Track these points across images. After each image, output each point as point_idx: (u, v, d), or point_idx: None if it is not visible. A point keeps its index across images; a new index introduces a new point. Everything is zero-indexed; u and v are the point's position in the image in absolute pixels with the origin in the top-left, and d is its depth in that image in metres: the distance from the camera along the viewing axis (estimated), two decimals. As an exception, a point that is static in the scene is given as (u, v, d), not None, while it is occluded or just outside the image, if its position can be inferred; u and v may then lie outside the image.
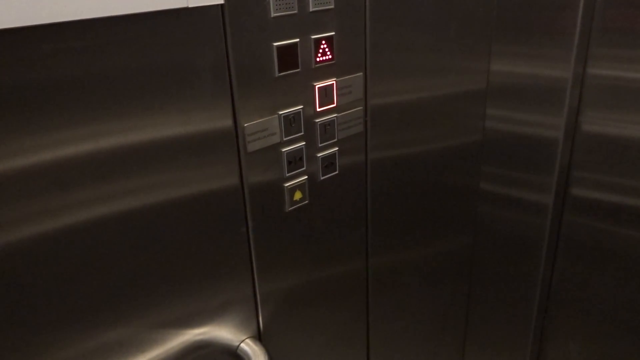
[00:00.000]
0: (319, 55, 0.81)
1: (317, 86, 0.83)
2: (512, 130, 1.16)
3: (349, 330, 1.10)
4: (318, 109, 0.85)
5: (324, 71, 0.83)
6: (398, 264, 1.15)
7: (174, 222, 0.74)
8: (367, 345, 1.15)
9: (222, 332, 0.86)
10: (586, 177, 1.11)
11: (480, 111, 1.17)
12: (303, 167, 0.86)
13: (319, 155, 0.87)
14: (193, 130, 0.72)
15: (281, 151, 0.82)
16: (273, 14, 0.74)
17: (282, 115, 0.80)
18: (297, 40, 0.78)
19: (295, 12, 0.77)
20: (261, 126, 0.78)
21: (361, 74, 0.89)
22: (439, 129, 1.10)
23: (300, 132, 0.83)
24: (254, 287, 0.88)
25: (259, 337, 0.91)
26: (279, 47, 0.76)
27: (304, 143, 0.85)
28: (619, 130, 1.03)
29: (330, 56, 0.83)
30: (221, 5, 0.69)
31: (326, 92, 0.84)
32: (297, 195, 0.86)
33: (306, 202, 0.89)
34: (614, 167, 1.06)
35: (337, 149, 0.90)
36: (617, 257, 1.11)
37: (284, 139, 0.82)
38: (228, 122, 0.75)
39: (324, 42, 0.81)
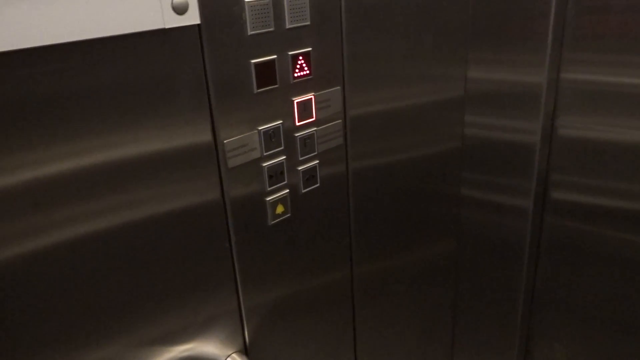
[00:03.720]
0: (297, 70, 0.82)
1: (295, 101, 0.84)
2: (490, 136, 1.18)
3: (336, 340, 1.11)
4: (297, 123, 0.86)
5: (302, 86, 0.84)
6: (383, 272, 1.16)
7: (157, 238, 0.74)
8: (355, 355, 1.16)
9: (208, 348, 0.86)
10: (564, 180, 1.13)
11: (459, 118, 1.18)
12: (284, 181, 0.87)
13: (300, 168, 0.88)
14: (173, 147, 0.72)
15: (262, 166, 0.83)
16: (250, 32, 0.75)
17: (262, 130, 0.81)
18: (275, 56, 0.79)
19: (272, 29, 0.78)
20: (241, 142, 0.79)
21: (339, 87, 0.90)
22: (418, 137, 1.11)
23: (281, 146, 0.84)
24: (238, 301, 0.88)
25: (245, 351, 0.91)
26: (256, 64, 0.77)
27: (285, 157, 0.86)
28: (595, 134, 1.05)
29: (307, 71, 0.84)
30: (198, 25, 0.70)
31: (305, 106, 0.85)
32: (279, 209, 0.87)
33: (288, 215, 0.89)
34: (591, 170, 1.08)
35: (317, 161, 0.91)
36: (598, 258, 1.13)
37: (265, 154, 0.83)
38: (208, 139, 0.76)
39: (301, 57, 0.82)
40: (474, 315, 1.37)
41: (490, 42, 1.10)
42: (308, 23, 0.81)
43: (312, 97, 0.86)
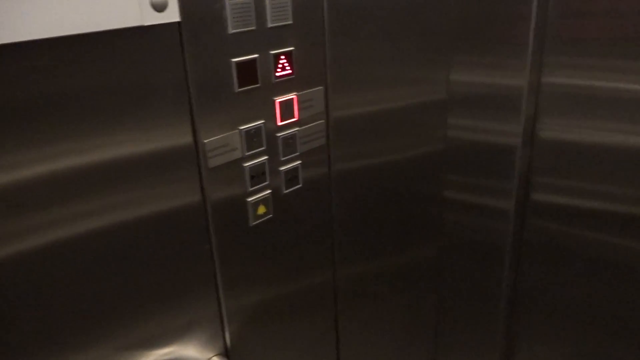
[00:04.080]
0: (279, 70, 0.82)
1: (277, 101, 0.83)
2: (473, 138, 1.18)
3: (318, 343, 1.10)
4: (279, 123, 0.85)
5: (285, 86, 0.84)
6: (366, 274, 1.15)
7: (137, 241, 0.73)
8: (338, 357, 1.15)
9: (189, 351, 0.84)
10: (545, 181, 1.14)
11: (441, 121, 1.19)
12: (266, 181, 0.86)
13: (282, 169, 0.88)
14: (153, 148, 0.71)
15: (243, 166, 0.82)
16: (231, 30, 0.75)
17: (244, 130, 0.80)
18: (256, 56, 0.78)
19: (254, 28, 0.77)
20: (222, 142, 0.78)
21: (322, 87, 0.90)
22: (401, 140, 1.11)
23: (262, 146, 0.84)
24: (219, 304, 0.87)
25: (226, 354, 0.90)
26: (238, 63, 0.77)
27: (267, 157, 0.85)
28: (575, 136, 1.06)
29: (290, 71, 0.83)
30: (178, 22, 0.69)
31: (287, 106, 0.85)
32: (261, 210, 0.86)
33: (270, 216, 0.89)
34: (572, 171, 1.09)
35: (300, 162, 0.90)
36: (579, 259, 1.14)
37: (246, 154, 0.82)
38: (188, 139, 0.75)
39: (283, 57, 0.82)
40: (456, 317, 1.37)
41: (473, 46, 1.11)
42: (290, 22, 0.81)
43: (295, 97, 0.85)
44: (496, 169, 1.17)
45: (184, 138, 0.74)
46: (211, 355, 0.88)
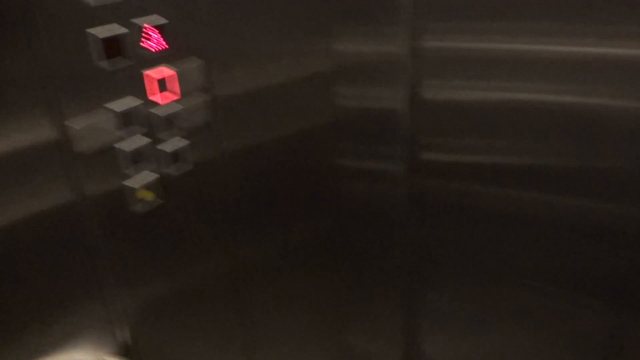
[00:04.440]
0: (153, 43, 0.76)
1: (154, 77, 0.77)
2: (360, 106, 1.20)
3: (225, 330, 1.07)
4: (160, 101, 0.79)
5: (160, 60, 0.78)
6: (268, 254, 1.14)
7: (10, 245, 0.65)
8: (247, 340, 1.13)
9: (80, 355, 0.78)
10: (432, 142, 1.18)
11: (328, 91, 1.19)
12: (150, 164, 0.80)
13: (167, 150, 0.82)
14: (15, 142, 0.63)
15: (122, 150, 0.76)
16: (95, 3, 0.68)
17: (119, 111, 0.74)
18: (126, 29, 0.72)
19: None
20: (94, 125, 0.71)
21: (201, 61, 0.85)
22: (290, 113, 1.10)
23: (142, 126, 0.78)
24: (110, 300, 0.81)
25: (124, 352, 0.84)
26: (104, 38, 0.70)
27: (148, 138, 0.79)
28: (456, 95, 1.11)
29: (164, 44, 0.78)
30: (26, -7, 0.61)
31: (165, 82, 0.79)
32: (148, 196, 0.81)
33: (160, 202, 0.83)
34: (456, 129, 1.14)
35: (187, 142, 0.85)
36: (468, 212, 1.21)
37: (123, 136, 0.76)
38: (53, 126, 0.67)
39: (155, 29, 0.76)
40: (361, 283, 1.40)
41: (352, 15, 1.11)
42: (161, -8, 0.75)
43: (173, 72, 0.80)
44: (385, 134, 1.19)
45: (49, 127, 0.67)
46: (106, 356, 0.81)
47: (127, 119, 0.75)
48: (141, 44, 0.75)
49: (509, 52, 1.01)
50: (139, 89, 0.77)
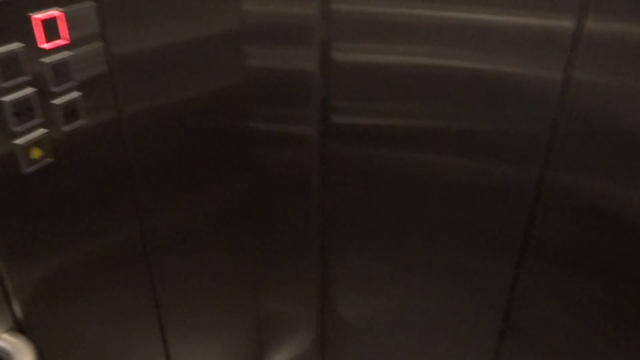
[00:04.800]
0: (34, -21, 0.67)
1: (36, 18, 0.68)
2: (271, 67, 1.16)
3: (134, 303, 1.00)
4: (44, 46, 0.70)
5: (50, 3, 0.69)
6: (177, 221, 1.08)
7: None
8: (158, 311, 1.07)
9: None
10: (344, 105, 1.18)
11: (238, 52, 1.14)
12: (38, 118, 0.71)
13: (57, 102, 0.73)
14: None
15: (3, 101, 0.67)
16: None
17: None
18: (-2, -41, 0.63)
19: None
20: (-34, 70, 0.62)
21: (94, 3, 0.76)
22: (198, 74, 1.04)
23: (25, 75, 0.69)
24: (3, 275, 0.72)
25: (19, 329, 0.76)
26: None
27: (33, 88, 0.70)
28: (367, 58, 1.11)
29: (50, -18, 0.69)
30: None
31: (51, 25, 0.70)
32: (36, 153, 0.72)
33: (51, 160, 0.75)
34: (367, 92, 1.15)
35: (80, 94, 0.77)
36: (380, 174, 1.22)
37: (4, 86, 0.67)
38: None
39: (35, -38, 0.67)
40: (275, 247, 1.39)
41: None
42: None
43: (60, 13, 0.71)
44: (296, 97, 1.17)
45: None
46: (2, 331, 0.73)
47: (6, 67, 0.66)
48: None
49: (418, 17, 1.03)
50: (20, 33, 0.68)
